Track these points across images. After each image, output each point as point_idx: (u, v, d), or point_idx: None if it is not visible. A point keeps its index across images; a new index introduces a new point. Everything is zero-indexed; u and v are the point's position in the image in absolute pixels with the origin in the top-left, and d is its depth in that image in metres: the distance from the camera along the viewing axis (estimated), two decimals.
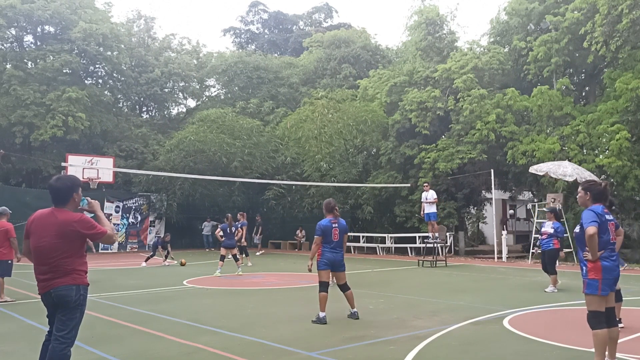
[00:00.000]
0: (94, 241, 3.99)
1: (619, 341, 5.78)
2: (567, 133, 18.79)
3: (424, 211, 16.95)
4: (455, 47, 24.23)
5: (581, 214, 4.87)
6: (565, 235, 10.92)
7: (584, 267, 4.76)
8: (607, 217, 4.80)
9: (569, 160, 17.68)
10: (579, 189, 5.04)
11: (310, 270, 7.62)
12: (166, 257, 17.68)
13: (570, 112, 19.55)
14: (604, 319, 4.70)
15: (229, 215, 14.82)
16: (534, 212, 18.54)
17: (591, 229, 4.59)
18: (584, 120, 18.76)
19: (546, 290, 10.44)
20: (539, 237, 11.04)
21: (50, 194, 4.10)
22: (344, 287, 7.63)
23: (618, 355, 4.64)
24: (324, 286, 7.39)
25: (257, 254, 22.08)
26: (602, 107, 18.55)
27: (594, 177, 16.92)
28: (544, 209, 11.28)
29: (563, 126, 19.24)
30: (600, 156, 18.46)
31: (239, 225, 16.01)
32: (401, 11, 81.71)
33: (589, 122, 18.66)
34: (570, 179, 16.64)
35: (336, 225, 7.60)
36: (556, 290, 10.35)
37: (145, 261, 17.22)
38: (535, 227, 17.45)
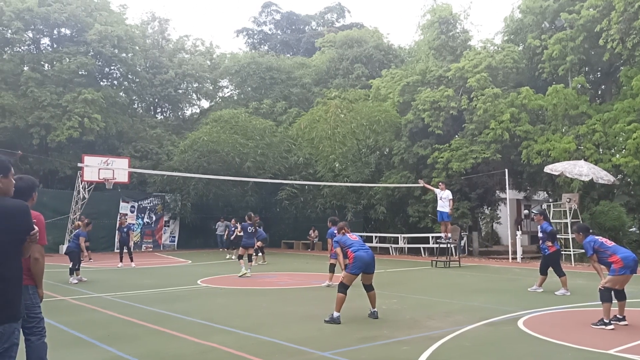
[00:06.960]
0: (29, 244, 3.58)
1: (630, 344, 5.77)
2: (582, 132, 18.58)
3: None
4: (469, 46, 24.05)
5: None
6: (541, 235, 10.15)
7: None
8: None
9: (585, 160, 17.47)
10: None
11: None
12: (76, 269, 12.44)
13: (586, 110, 19.32)
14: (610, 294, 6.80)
15: (251, 214, 14.91)
16: (550, 213, 18.33)
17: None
18: (600, 119, 18.53)
19: (556, 293, 9.92)
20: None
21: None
22: (369, 288, 7.68)
23: (623, 355, 4.57)
24: (345, 288, 7.39)
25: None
26: (619, 105, 18.31)
27: (610, 177, 16.74)
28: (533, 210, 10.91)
29: (579, 125, 19.02)
30: (617, 155, 18.21)
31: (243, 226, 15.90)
32: (414, 10, 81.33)
33: (605, 121, 18.43)
34: (586, 179, 16.45)
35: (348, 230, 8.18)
36: (568, 293, 9.86)
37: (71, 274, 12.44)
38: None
